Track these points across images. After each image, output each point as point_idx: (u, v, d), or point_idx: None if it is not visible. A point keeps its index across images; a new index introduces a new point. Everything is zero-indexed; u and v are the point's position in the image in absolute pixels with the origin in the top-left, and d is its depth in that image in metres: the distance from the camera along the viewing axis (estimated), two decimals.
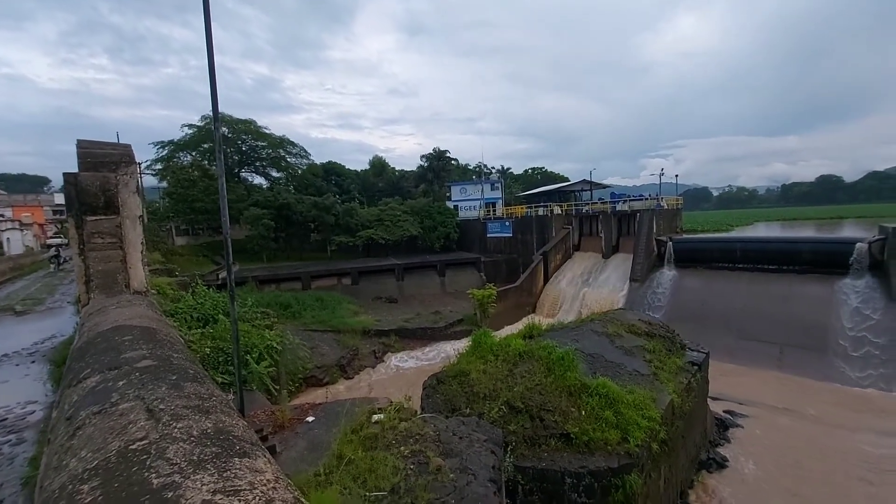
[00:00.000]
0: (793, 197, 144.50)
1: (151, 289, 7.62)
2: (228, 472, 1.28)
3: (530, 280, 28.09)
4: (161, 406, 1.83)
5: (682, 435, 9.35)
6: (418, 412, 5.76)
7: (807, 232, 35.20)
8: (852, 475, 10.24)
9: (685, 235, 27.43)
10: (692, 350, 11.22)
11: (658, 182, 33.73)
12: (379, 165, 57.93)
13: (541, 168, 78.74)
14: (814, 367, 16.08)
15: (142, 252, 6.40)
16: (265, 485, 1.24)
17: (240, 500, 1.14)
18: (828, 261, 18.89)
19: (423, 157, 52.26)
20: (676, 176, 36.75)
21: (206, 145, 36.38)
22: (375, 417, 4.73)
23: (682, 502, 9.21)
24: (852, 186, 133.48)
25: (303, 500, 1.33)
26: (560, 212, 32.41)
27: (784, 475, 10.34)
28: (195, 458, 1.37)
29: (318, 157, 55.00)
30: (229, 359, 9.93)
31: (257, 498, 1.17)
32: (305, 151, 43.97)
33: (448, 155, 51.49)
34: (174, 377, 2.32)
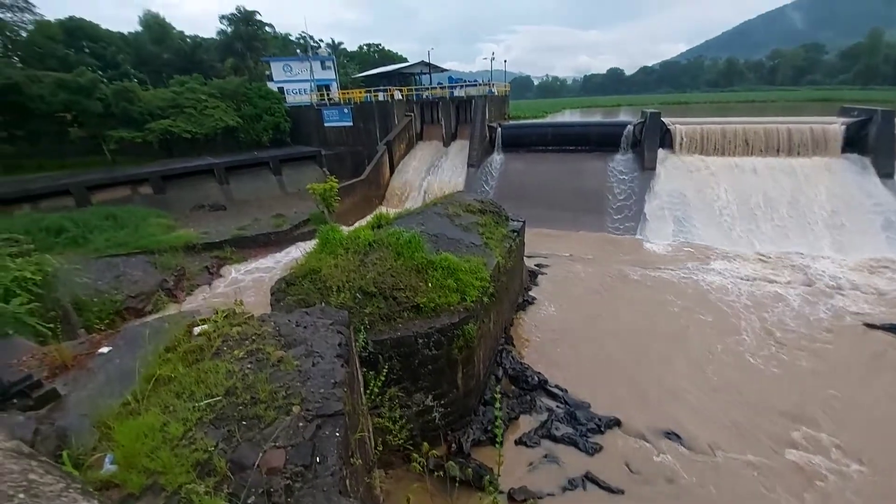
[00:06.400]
0: (591, 87, 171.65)
1: None
2: None
3: (376, 172, 27.49)
4: None
5: (506, 287, 11.60)
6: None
7: (596, 118, 43.13)
8: (608, 286, 15.55)
9: (511, 122, 30.18)
10: (513, 220, 13.35)
11: (490, 68, 34.87)
12: (158, 27, 42.27)
13: (377, 45, 70.58)
14: (594, 224, 21.38)
15: None
16: None
17: None
18: (607, 141, 23.93)
19: (223, 18, 39.94)
20: (505, 62, 38.46)
21: None
22: (198, 330, 4.13)
23: (506, 335, 11.91)
24: (630, 79, 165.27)
25: None
26: (401, 97, 30.94)
27: (566, 296, 14.70)
28: None
29: (52, 11, 36.89)
30: None
31: None
32: (27, 1, 28.86)
33: (259, 18, 40.73)
34: None
